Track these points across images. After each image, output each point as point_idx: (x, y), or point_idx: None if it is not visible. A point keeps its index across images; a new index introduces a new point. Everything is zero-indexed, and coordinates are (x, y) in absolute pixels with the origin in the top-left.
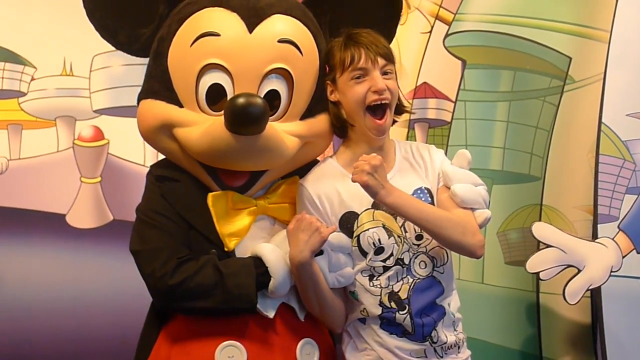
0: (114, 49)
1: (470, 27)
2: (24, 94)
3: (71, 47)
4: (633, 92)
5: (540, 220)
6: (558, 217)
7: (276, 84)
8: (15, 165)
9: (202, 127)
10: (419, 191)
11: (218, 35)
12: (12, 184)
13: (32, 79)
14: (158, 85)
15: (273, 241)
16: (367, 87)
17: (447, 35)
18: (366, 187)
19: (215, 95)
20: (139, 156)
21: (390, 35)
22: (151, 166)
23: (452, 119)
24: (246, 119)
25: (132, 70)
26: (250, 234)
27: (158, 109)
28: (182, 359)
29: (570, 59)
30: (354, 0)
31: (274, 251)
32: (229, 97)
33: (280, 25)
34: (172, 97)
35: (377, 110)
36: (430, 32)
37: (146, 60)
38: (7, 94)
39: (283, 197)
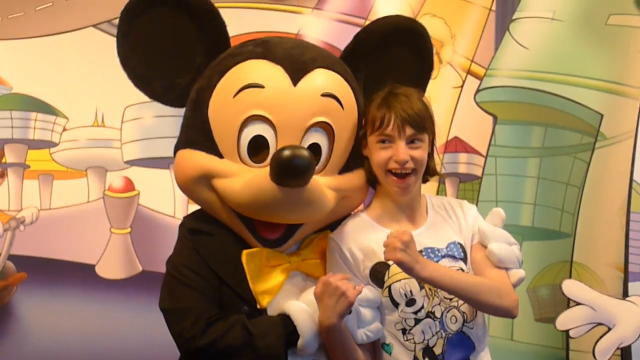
0: (145, 100)
1: (501, 82)
2: (56, 144)
3: (103, 98)
4: None
5: (570, 277)
6: (588, 274)
7: (318, 138)
8: (46, 215)
9: (243, 178)
10: (452, 245)
11: (262, 87)
12: (43, 234)
13: (64, 130)
14: (197, 135)
15: (302, 299)
16: (390, 154)
17: (478, 90)
18: (400, 264)
19: (257, 147)
20: (169, 207)
21: (422, 90)
22: (184, 218)
23: (482, 174)
24: (293, 171)
25: (163, 121)
26: (282, 291)
27: (198, 159)
28: None
29: (602, 115)
30: (389, 57)
31: (302, 310)
32: (271, 149)
33: (323, 79)
34: (212, 148)
35: (400, 174)
36: (462, 86)
37: (178, 111)
38: (39, 144)
39: (315, 253)
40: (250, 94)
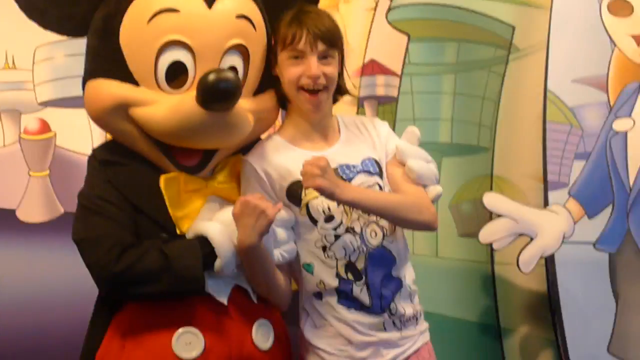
0: (57, 39)
1: (412, 0)
2: None
3: (12, 40)
4: (577, 58)
5: (491, 190)
6: (509, 186)
7: (235, 60)
8: None
9: (165, 105)
10: (367, 161)
11: (177, 11)
12: None
13: None
14: (108, 64)
15: (217, 219)
16: (302, 70)
17: (389, 9)
18: (320, 190)
19: (173, 72)
20: (86, 147)
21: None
22: (94, 150)
23: (398, 93)
24: (222, 94)
25: (76, 60)
26: (201, 215)
27: (112, 89)
28: (137, 349)
29: (514, 27)
30: None
31: (219, 231)
32: (190, 74)
33: (237, 1)
34: (126, 76)
35: (311, 91)
36: (375, 8)
37: None
38: None
39: (231, 177)
40: (165, 18)
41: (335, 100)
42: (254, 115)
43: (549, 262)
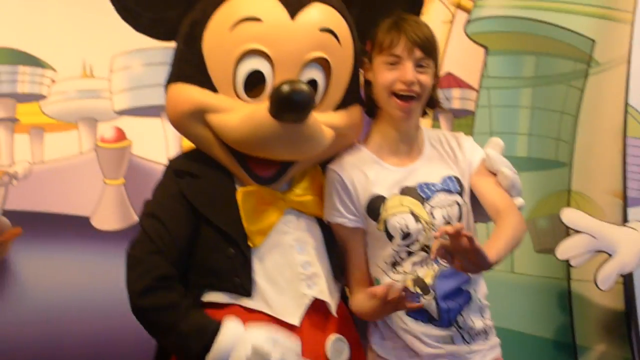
0: (134, 48)
1: (490, 12)
2: (45, 97)
3: (90, 49)
4: None
5: (568, 206)
6: (587, 202)
7: (315, 74)
8: (39, 169)
9: (239, 114)
10: (447, 179)
11: (260, 20)
12: (36, 187)
13: (53, 82)
14: (190, 69)
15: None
16: (396, 75)
17: (468, 22)
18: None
19: (252, 81)
20: (161, 156)
21: None
22: (170, 160)
23: (476, 107)
24: (293, 105)
25: (152, 69)
26: (275, 230)
27: (191, 94)
28: None
29: (594, 41)
30: None
31: (232, 340)
32: (268, 84)
33: (321, 13)
34: (206, 82)
35: (403, 98)
36: (452, 21)
37: (167, 58)
38: (28, 98)
39: (308, 190)
40: (248, 27)
41: (424, 114)
42: (334, 130)
43: (627, 280)
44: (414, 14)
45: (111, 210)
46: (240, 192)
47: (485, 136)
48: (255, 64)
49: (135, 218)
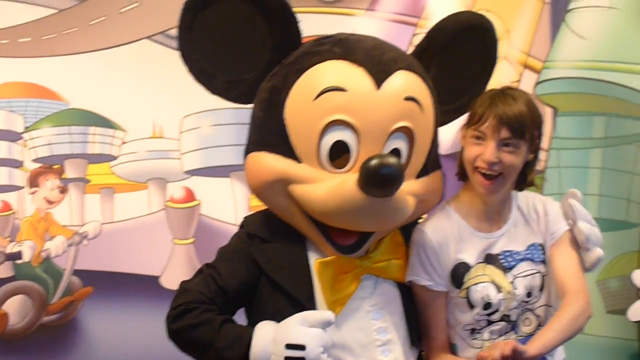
0: (203, 109)
1: (559, 74)
2: (115, 158)
3: (160, 110)
4: None
5: (639, 267)
6: None
7: (400, 143)
8: (109, 229)
9: (325, 185)
10: (532, 247)
11: (345, 90)
12: (106, 247)
13: (123, 142)
14: (272, 137)
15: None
16: (480, 151)
17: (537, 83)
18: None
19: (336, 150)
20: (230, 216)
21: (484, 84)
22: (245, 219)
23: (545, 167)
24: (384, 181)
25: (221, 130)
26: (353, 298)
27: (274, 163)
28: None
29: None
30: (457, 54)
31: (265, 342)
32: (352, 155)
33: (405, 81)
34: (289, 151)
35: (486, 176)
36: (519, 80)
37: (236, 119)
38: (99, 158)
39: (386, 254)
40: (332, 97)
41: (520, 189)
42: (416, 198)
43: None
44: (488, 71)
45: (180, 270)
46: (317, 263)
47: (555, 197)
48: (340, 134)
49: None
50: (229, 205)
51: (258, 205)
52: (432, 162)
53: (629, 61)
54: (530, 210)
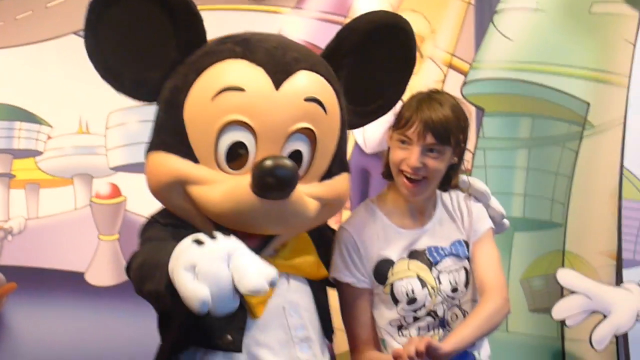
0: (130, 105)
1: (487, 75)
2: (41, 153)
3: (87, 105)
4: None
5: (563, 266)
6: (581, 263)
7: (300, 145)
8: (33, 224)
9: (221, 187)
10: (456, 243)
11: (243, 90)
12: (30, 243)
13: (49, 138)
14: (171, 138)
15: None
16: (405, 156)
17: (464, 83)
18: None
19: (235, 152)
20: None
21: (403, 86)
22: (153, 216)
23: (472, 166)
24: (276, 183)
25: (148, 126)
26: (272, 297)
27: (171, 164)
28: None
29: (589, 104)
30: (372, 54)
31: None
32: (250, 156)
33: (306, 82)
34: (186, 152)
35: (410, 179)
36: (444, 80)
37: None
38: (24, 154)
39: (295, 252)
40: (230, 97)
41: (444, 190)
42: (319, 202)
43: (622, 341)
44: (407, 71)
45: (105, 266)
46: None
47: None
48: (237, 135)
49: None
50: (155, 202)
51: None
52: (338, 165)
53: (554, 62)
54: (455, 208)
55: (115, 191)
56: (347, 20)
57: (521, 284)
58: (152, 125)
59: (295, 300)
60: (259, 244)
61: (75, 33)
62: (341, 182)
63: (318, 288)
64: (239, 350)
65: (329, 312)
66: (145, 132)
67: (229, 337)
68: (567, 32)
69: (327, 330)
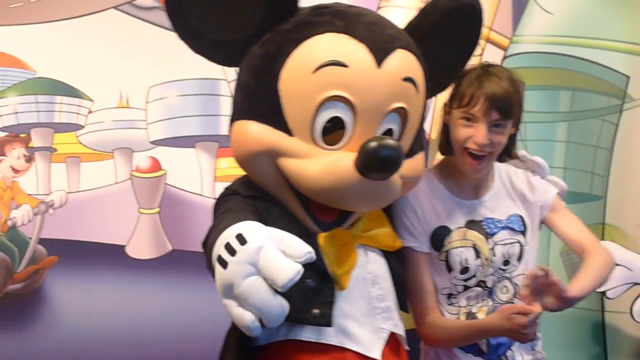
0: (169, 79)
1: (526, 48)
2: (82, 127)
3: (127, 79)
4: None
5: (603, 238)
6: (621, 235)
7: (393, 123)
8: (74, 198)
9: (318, 162)
10: (512, 217)
11: (346, 66)
12: (72, 216)
13: (89, 112)
14: (263, 107)
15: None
16: (471, 133)
17: (504, 58)
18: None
19: (330, 126)
20: (196, 186)
21: (464, 65)
22: (231, 188)
23: None
24: (384, 164)
25: (187, 100)
26: (355, 268)
27: (264, 134)
28: None
29: (628, 77)
30: (445, 32)
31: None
32: (347, 132)
33: (404, 61)
34: (280, 123)
35: (475, 156)
36: (482, 54)
37: (202, 89)
38: (65, 127)
39: (370, 223)
40: (333, 72)
41: (502, 161)
42: (402, 179)
43: None
44: (470, 51)
45: (146, 239)
46: (322, 237)
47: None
48: (337, 111)
49: (170, 247)
50: (194, 176)
51: (224, 175)
52: (418, 144)
53: (593, 36)
54: (514, 182)
55: (156, 165)
56: None
57: (561, 256)
58: (236, 92)
59: (375, 270)
60: (337, 218)
61: (115, 7)
62: (420, 161)
63: (393, 258)
64: (329, 324)
65: (403, 282)
66: (184, 106)
67: (317, 311)
68: (606, 6)
69: (401, 300)
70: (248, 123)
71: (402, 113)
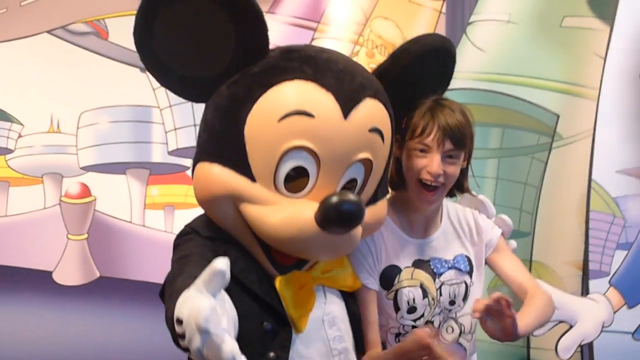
0: (101, 105)
1: (459, 85)
2: (11, 151)
3: (58, 105)
4: (621, 149)
5: None
6: (548, 272)
7: (356, 173)
8: (2, 222)
9: (280, 210)
10: (459, 257)
11: (312, 116)
12: None
13: (20, 136)
14: (228, 151)
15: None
16: (425, 163)
17: None
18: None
19: (294, 174)
20: (125, 213)
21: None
22: (191, 226)
23: None
24: (344, 219)
25: (119, 126)
26: (313, 310)
27: (227, 179)
28: None
29: (558, 116)
30: (414, 76)
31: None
32: (310, 181)
33: (371, 112)
34: (243, 168)
35: (429, 187)
36: None
37: (134, 116)
38: None
39: (330, 264)
40: (298, 121)
41: (452, 195)
42: (363, 227)
43: (587, 350)
44: (441, 91)
45: (73, 266)
46: (279, 280)
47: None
48: (300, 161)
49: (97, 274)
50: (124, 202)
51: (154, 203)
52: (382, 190)
53: (525, 74)
54: (461, 222)
55: (85, 191)
56: (320, 26)
57: (488, 292)
58: (202, 130)
59: (333, 312)
60: (296, 261)
61: (48, 32)
62: (383, 207)
63: (351, 300)
64: None
65: (360, 322)
66: (115, 132)
67: (272, 354)
68: (538, 45)
69: (359, 340)
70: (212, 166)
71: (366, 163)
